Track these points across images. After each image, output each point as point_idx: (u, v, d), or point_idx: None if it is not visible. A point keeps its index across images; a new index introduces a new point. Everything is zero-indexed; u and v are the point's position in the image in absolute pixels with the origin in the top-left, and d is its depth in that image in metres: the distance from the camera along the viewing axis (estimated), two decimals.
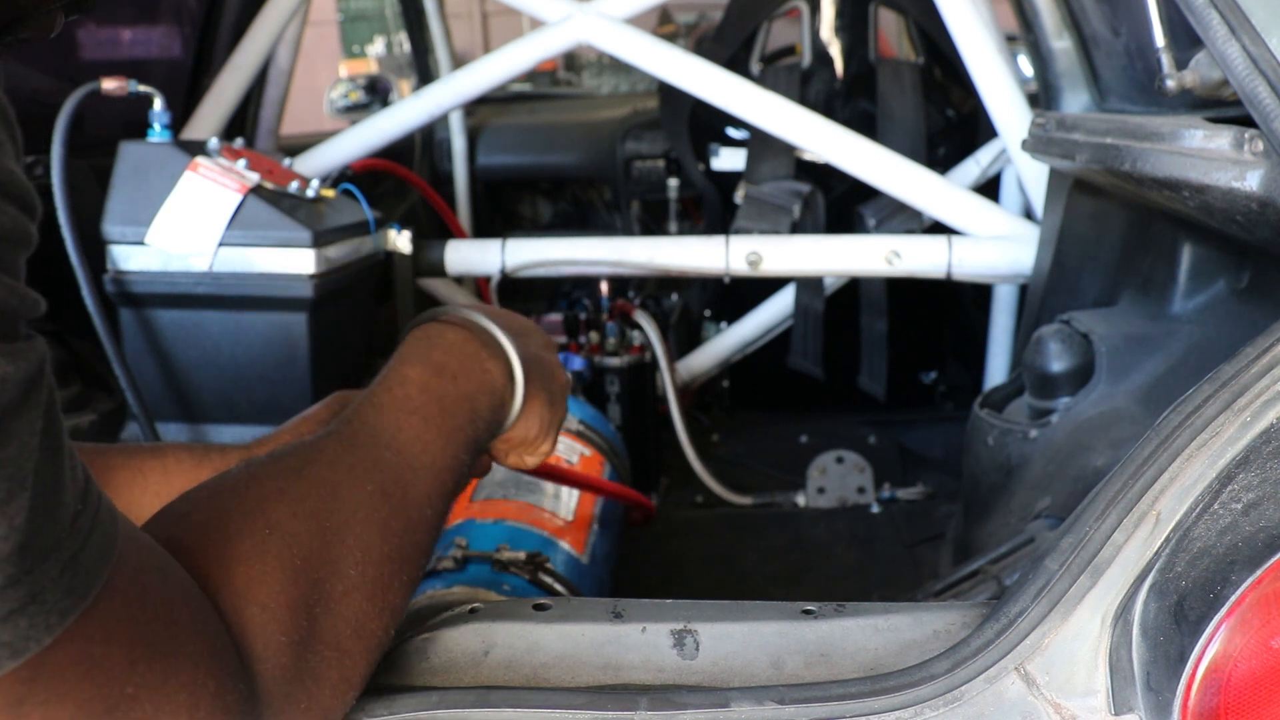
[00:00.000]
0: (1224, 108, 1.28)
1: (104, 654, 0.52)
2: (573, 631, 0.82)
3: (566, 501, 1.50)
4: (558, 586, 1.31)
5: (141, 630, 0.55)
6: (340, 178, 2.08)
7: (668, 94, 2.75)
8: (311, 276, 1.62)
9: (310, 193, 1.71)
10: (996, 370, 2.39)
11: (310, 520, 0.71)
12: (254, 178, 1.62)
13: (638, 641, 0.81)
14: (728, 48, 2.70)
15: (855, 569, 1.88)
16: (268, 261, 1.61)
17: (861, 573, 1.88)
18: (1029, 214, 2.05)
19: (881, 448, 2.46)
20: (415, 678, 0.82)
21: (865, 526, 2.12)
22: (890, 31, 3.38)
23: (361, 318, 1.89)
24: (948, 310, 2.78)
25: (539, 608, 0.85)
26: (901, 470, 2.40)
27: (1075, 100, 1.85)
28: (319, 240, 1.63)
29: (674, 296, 2.88)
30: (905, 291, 2.52)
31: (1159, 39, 1.24)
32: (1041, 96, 1.92)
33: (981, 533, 1.56)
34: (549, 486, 1.52)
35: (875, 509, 2.19)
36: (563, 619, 0.83)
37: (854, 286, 2.47)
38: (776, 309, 2.41)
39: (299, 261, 1.61)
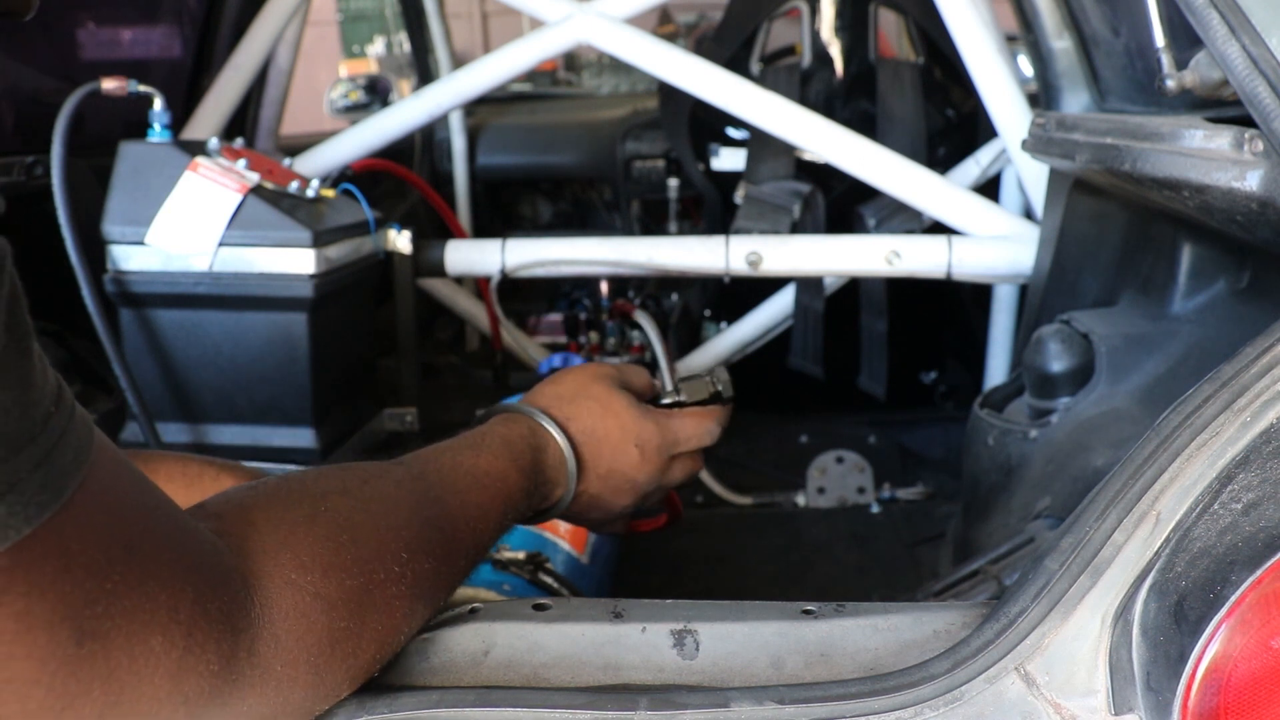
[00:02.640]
0: (1224, 108, 1.28)
1: (81, 550, 0.53)
2: (573, 631, 0.82)
3: None
4: (558, 586, 1.31)
5: (118, 532, 0.56)
6: (340, 178, 2.08)
7: (668, 94, 2.76)
8: (311, 276, 1.62)
9: (310, 193, 1.71)
10: (996, 370, 2.39)
11: (365, 515, 0.75)
12: (254, 178, 1.62)
13: (638, 641, 0.81)
14: (727, 48, 2.70)
15: (855, 569, 1.88)
16: (268, 261, 1.61)
17: (861, 573, 1.88)
18: (1029, 214, 2.05)
19: (881, 448, 2.46)
20: (415, 677, 0.82)
21: (865, 526, 2.12)
22: (890, 31, 3.39)
23: (361, 318, 1.89)
24: (948, 310, 2.78)
25: (539, 608, 0.85)
26: (901, 470, 2.40)
27: (1075, 100, 1.84)
28: (319, 240, 1.63)
29: (674, 296, 2.88)
30: (905, 291, 2.52)
31: (1159, 39, 1.24)
32: (1041, 96, 1.92)
33: (981, 533, 1.56)
34: None
35: (875, 509, 2.19)
36: (563, 619, 0.83)
37: (854, 286, 2.47)
38: (776, 309, 2.41)
39: (299, 261, 1.61)
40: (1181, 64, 1.23)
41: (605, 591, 1.50)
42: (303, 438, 1.69)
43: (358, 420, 1.88)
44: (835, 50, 2.77)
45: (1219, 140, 1.11)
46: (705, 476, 2.24)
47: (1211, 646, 0.72)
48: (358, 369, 1.88)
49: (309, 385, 1.67)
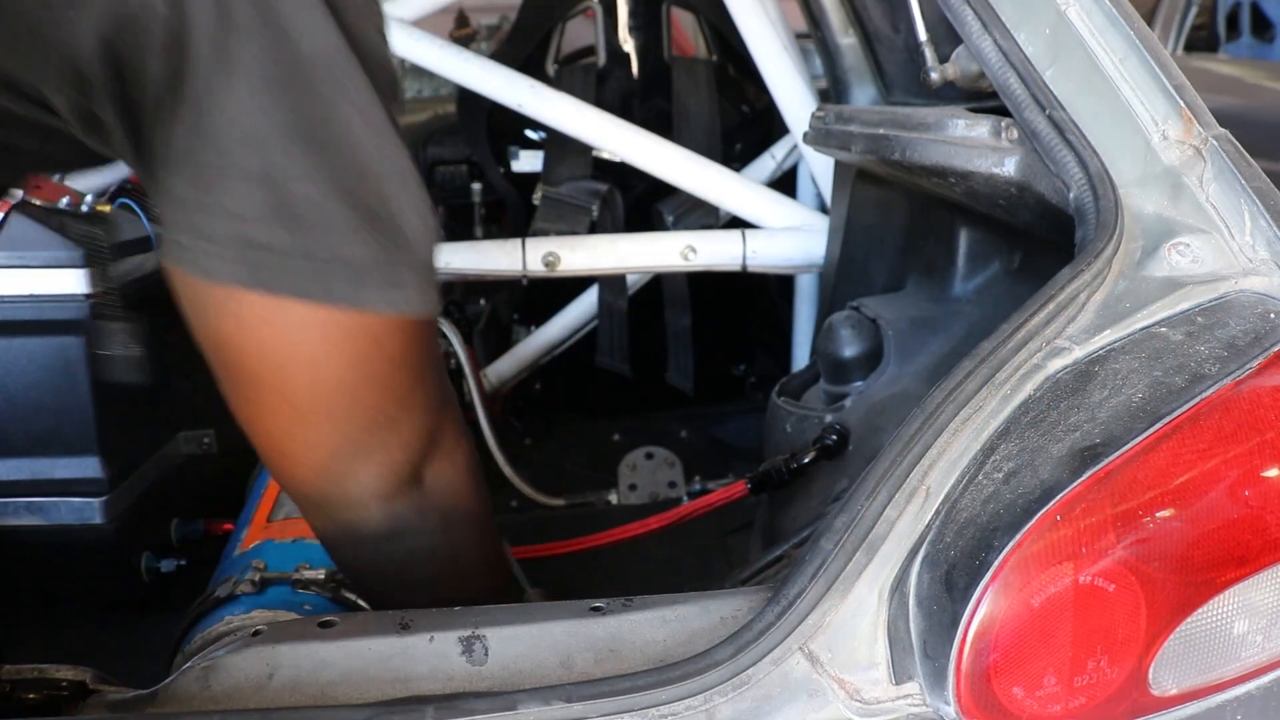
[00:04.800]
0: (989, 99, 1.34)
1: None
2: (359, 647, 0.80)
3: None
4: (361, 603, 1.28)
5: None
6: (119, 192, 1.98)
7: (465, 97, 2.72)
8: (87, 297, 1.54)
9: (84, 209, 1.62)
10: (802, 358, 2.44)
11: None
12: (16, 194, 1.53)
13: (426, 651, 0.80)
14: (521, 50, 2.68)
15: (668, 563, 1.89)
16: (36, 284, 1.53)
17: (675, 566, 1.89)
18: (824, 206, 2.10)
19: (693, 441, 2.49)
20: (196, 705, 0.79)
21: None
22: (692, 29, 3.43)
23: (151, 337, 1.81)
24: (754, 302, 2.83)
25: (324, 625, 0.83)
26: (714, 462, 2.42)
27: (863, 94, 1.90)
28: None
29: (481, 301, 2.85)
30: (710, 285, 2.56)
31: (921, 34, 1.30)
32: (831, 91, 1.97)
33: (786, 518, 1.60)
34: None
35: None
36: (349, 635, 0.81)
37: (658, 283, 2.49)
38: (583, 309, 2.42)
39: (71, 282, 1.53)
40: (944, 58, 1.28)
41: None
42: (88, 468, 1.61)
43: (151, 446, 1.80)
44: (631, 50, 2.78)
45: (979, 129, 1.16)
46: (516, 481, 2.22)
47: (980, 610, 0.76)
48: (152, 392, 1.80)
49: (92, 412, 1.58)
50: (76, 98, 0.77)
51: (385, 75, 0.84)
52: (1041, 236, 1.29)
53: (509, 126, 2.74)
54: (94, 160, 0.94)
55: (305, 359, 0.83)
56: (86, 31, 0.73)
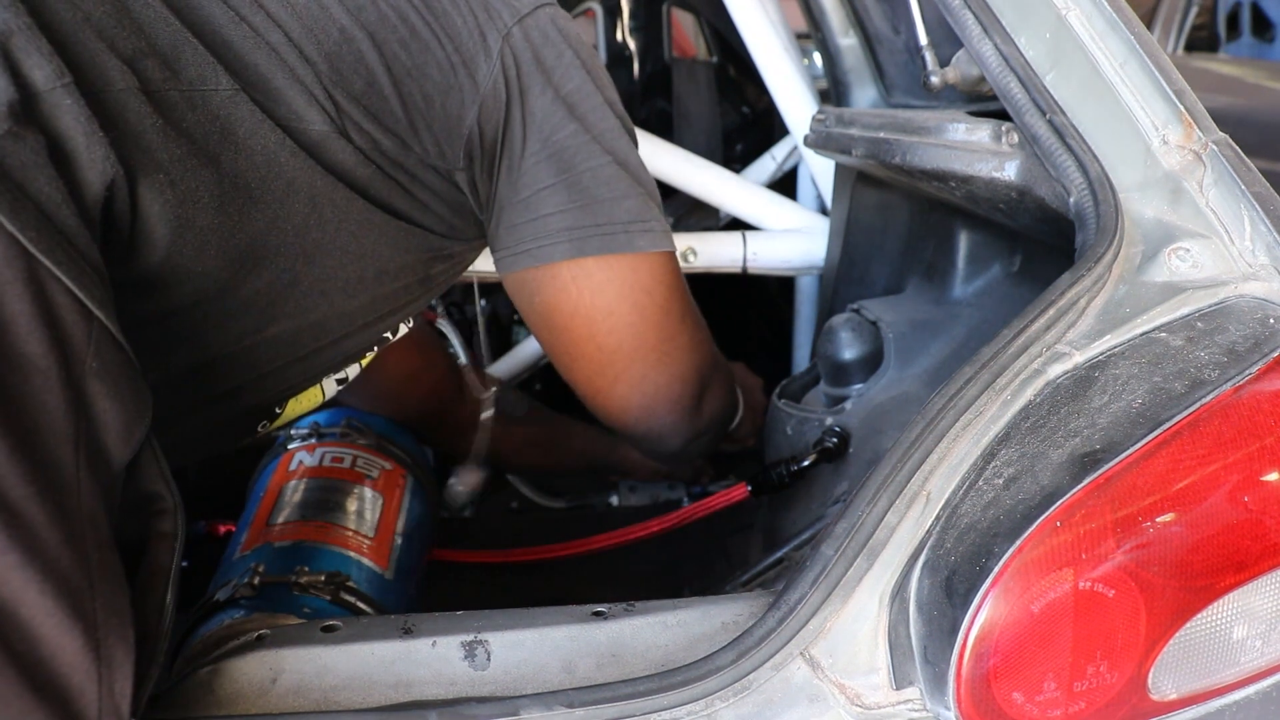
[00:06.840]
0: (989, 102, 1.34)
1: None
2: (362, 651, 0.80)
3: (369, 517, 1.46)
4: (361, 605, 1.28)
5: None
6: None
7: None
8: None
9: None
10: (802, 360, 2.44)
11: None
12: None
13: (428, 656, 0.80)
14: None
15: (669, 565, 1.89)
16: None
17: (675, 569, 1.89)
18: (824, 207, 2.10)
19: None
20: (201, 710, 0.79)
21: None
22: (693, 30, 3.43)
23: None
24: (755, 303, 2.82)
25: (328, 629, 0.83)
26: (714, 462, 2.42)
27: (864, 96, 1.90)
28: None
29: (483, 302, 2.84)
30: (711, 286, 2.56)
31: (921, 37, 1.30)
32: (832, 93, 1.97)
33: (786, 520, 1.60)
34: (350, 503, 1.48)
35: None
36: (352, 639, 0.81)
37: None
38: None
39: None
40: (945, 61, 1.28)
41: (413, 606, 1.47)
42: None
43: None
44: (632, 50, 2.79)
45: (979, 133, 1.16)
46: (517, 482, 2.22)
47: (980, 615, 0.76)
48: None
49: None
50: (472, 170, 1.05)
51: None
52: (1042, 240, 1.29)
53: None
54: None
55: (604, 308, 1.16)
56: (472, 117, 1.02)
